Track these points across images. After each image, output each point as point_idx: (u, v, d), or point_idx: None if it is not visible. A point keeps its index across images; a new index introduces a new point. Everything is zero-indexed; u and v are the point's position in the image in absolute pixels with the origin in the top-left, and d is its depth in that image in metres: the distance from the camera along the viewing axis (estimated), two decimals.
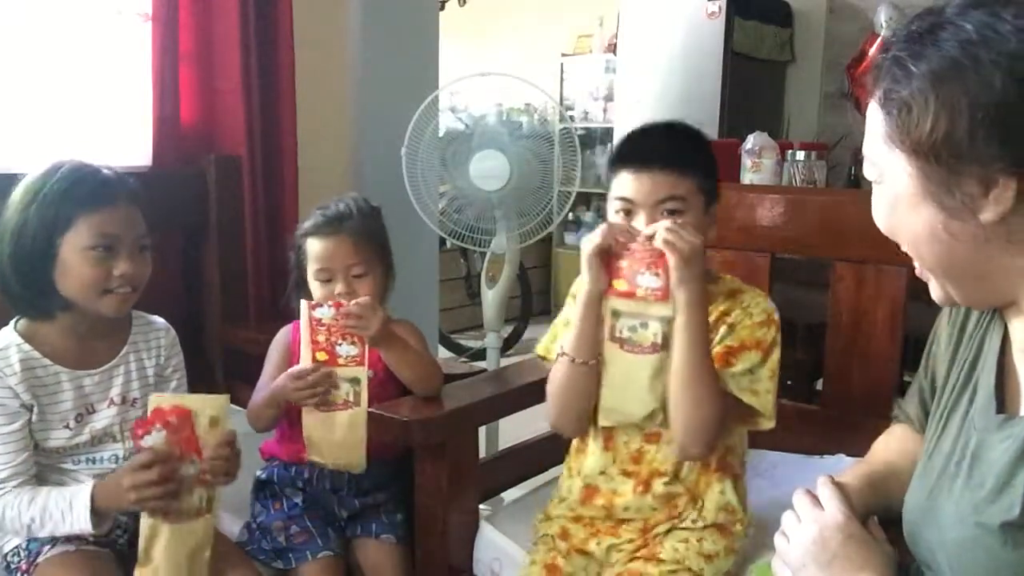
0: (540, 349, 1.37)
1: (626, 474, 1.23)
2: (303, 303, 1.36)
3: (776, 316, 1.21)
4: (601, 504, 1.24)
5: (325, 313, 1.35)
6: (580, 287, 1.19)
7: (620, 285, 1.15)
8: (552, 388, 1.24)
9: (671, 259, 1.09)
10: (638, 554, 1.20)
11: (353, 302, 1.35)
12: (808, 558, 0.84)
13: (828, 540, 0.84)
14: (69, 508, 1.16)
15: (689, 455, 1.18)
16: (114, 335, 1.32)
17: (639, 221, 1.15)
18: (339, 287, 1.43)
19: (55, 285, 1.21)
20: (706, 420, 1.14)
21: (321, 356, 1.37)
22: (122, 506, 1.17)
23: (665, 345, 1.14)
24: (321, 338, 1.36)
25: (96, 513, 1.16)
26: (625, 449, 1.23)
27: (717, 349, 1.18)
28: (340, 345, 1.36)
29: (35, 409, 1.21)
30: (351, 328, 1.35)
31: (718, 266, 1.59)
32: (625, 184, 1.17)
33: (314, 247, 1.44)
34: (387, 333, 1.38)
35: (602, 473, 1.24)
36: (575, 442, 1.31)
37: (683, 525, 1.21)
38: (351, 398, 1.38)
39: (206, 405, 1.18)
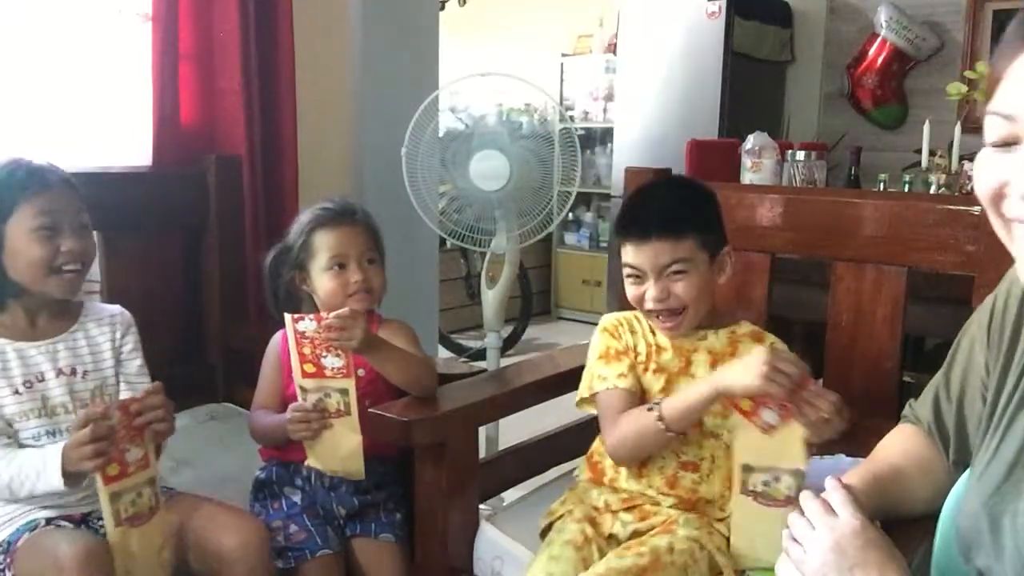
0: (585, 391, 1.33)
1: (663, 494, 1.27)
2: (287, 317, 1.34)
3: None
4: (637, 513, 1.26)
5: (308, 326, 1.33)
6: (726, 379, 1.13)
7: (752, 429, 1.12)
8: (631, 434, 1.23)
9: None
10: (653, 533, 1.22)
11: (333, 314, 1.33)
12: (828, 567, 0.83)
13: (846, 548, 0.82)
14: (43, 466, 1.20)
15: None
16: (63, 316, 1.38)
17: (649, 285, 1.25)
18: (354, 274, 1.44)
19: (5, 272, 1.28)
20: None
21: (309, 368, 1.36)
22: (78, 466, 1.18)
23: (798, 496, 1.10)
24: (307, 351, 1.35)
25: (67, 475, 1.18)
26: (660, 475, 1.27)
27: None
28: (325, 357, 1.35)
29: None
30: (333, 341, 1.32)
31: None
32: (630, 254, 1.27)
33: (326, 237, 1.46)
34: (371, 340, 1.36)
35: (641, 494, 1.28)
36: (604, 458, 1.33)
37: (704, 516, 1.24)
38: (342, 407, 1.37)
39: None
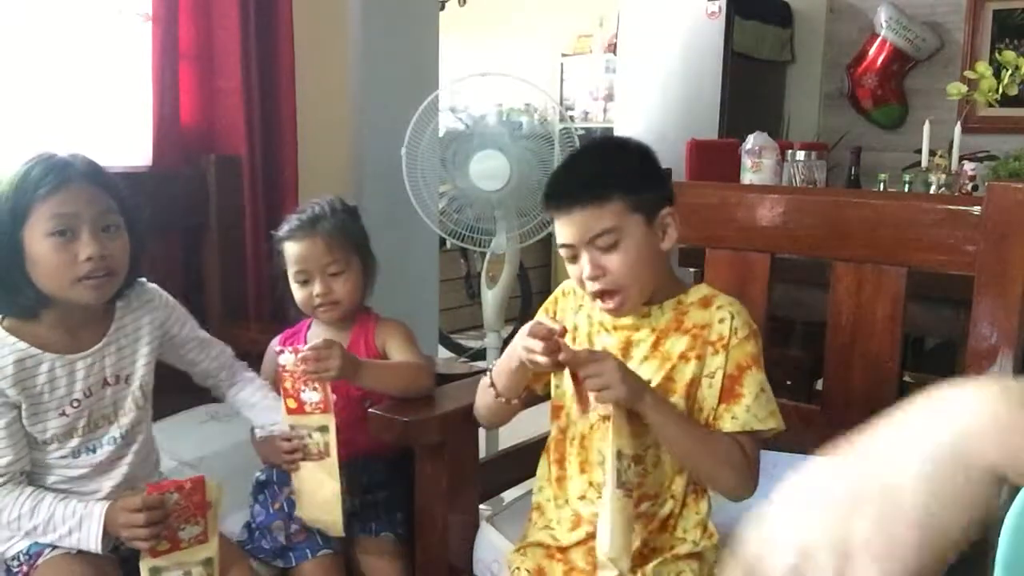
0: None
1: None
2: (270, 350, 1.33)
3: (755, 326, 1.17)
4: (583, 536, 1.17)
5: (288, 359, 1.29)
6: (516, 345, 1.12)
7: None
8: (479, 397, 1.26)
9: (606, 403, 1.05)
10: None
11: (308, 346, 1.30)
12: None
13: None
14: (78, 525, 1.16)
15: (742, 498, 1.13)
16: (100, 318, 1.29)
17: (583, 261, 1.12)
18: (317, 287, 1.44)
19: (32, 282, 1.18)
20: (732, 470, 1.11)
21: (291, 404, 1.31)
22: (126, 542, 1.18)
23: (624, 487, 1.05)
24: (288, 385, 1.30)
25: (106, 535, 1.17)
26: (602, 470, 1.14)
27: (717, 379, 1.13)
28: (304, 392, 1.30)
29: (23, 405, 1.19)
30: (311, 373, 1.29)
31: (719, 266, 1.60)
32: (559, 230, 1.14)
33: (291, 250, 1.46)
34: (352, 365, 1.33)
35: (581, 498, 1.18)
36: (551, 469, 1.26)
37: (661, 557, 1.14)
38: (322, 448, 1.33)
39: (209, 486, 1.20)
